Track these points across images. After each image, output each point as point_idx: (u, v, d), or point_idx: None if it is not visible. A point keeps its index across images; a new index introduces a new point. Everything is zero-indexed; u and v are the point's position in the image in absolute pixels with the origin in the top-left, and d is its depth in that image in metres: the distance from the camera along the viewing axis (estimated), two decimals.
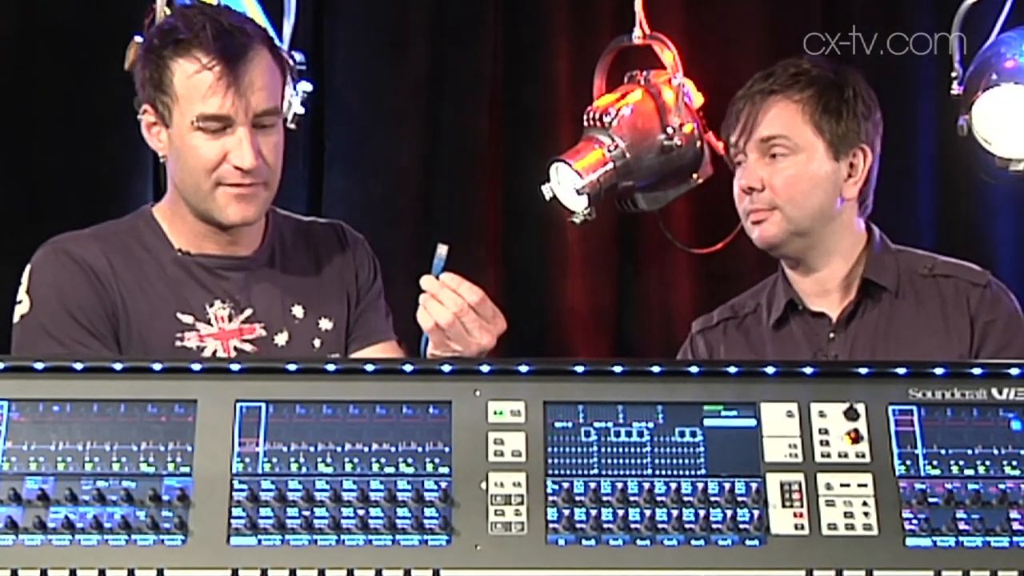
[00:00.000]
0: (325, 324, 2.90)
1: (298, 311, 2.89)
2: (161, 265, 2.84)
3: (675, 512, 2.24)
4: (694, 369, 2.35)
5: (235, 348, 2.82)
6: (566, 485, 2.26)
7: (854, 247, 3.18)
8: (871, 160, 3.16)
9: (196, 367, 2.31)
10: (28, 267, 2.83)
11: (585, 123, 3.53)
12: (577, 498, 2.25)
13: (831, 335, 3.14)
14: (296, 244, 2.97)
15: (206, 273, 2.85)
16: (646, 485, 2.26)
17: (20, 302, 2.80)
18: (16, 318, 2.80)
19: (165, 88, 2.77)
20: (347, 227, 3.06)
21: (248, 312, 2.85)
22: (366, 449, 2.28)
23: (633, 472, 2.28)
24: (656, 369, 2.35)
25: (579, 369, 2.34)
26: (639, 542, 2.23)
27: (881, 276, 3.15)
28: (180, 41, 2.75)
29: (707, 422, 2.31)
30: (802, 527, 2.25)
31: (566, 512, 2.24)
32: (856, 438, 2.30)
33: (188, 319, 2.81)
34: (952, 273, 3.15)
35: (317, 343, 2.88)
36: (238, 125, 2.76)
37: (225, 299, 2.84)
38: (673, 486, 2.26)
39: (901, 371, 2.34)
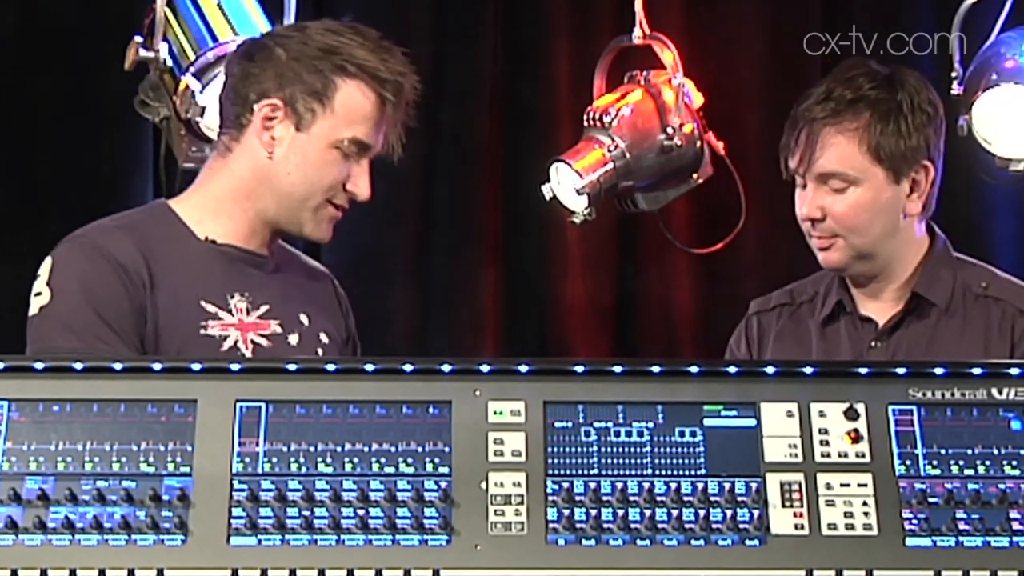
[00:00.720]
0: (324, 338, 2.91)
1: (304, 317, 2.90)
2: (184, 254, 2.82)
3: (675, 512, 2.24)
4: (694, 369, 2.35)
5: (252, 341, 2.82)
6: (566, 485, 2.26)
7: (915, 256, 3.13)
8: (935, 171, 3.10)
9: (196, 367, 2.31)
10: (49, 260, 2.78)
11: (585, 123, 3.53)
12: (577, 498, 2.25)
13: (873, 343, 3.10)
14: (291, 262, 3.00)
15: (228, 263, 2.84)
16: (646, 485, 2.26)
17: (39, 294, 2.75)
18: (34, 310, 2.75)
19: (322, 97, 2.78)
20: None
21: (264, 308, 2.85)
22: (366, 449, 2.27)
23: (633, 472, 2.28)
24: (656, 369, 2.34)
25: (579, 369, 2.34)
26: (639, 542, 2.23)
27: (932, 291, 3.09)
28: (362, 66, 2.78)
29: (707, 422, 2.31)
30: (802, 527, 2.24)
31: (566, 512, 2.24)
32: (856, 438, 2.30)
33: (211, 308, 2.80)
34: (1003, 296, 3.10)
35: (319, 352, 2.89)
36: (367, 157, 2.83)
37: (244, 291, 2.84)
38: (673, 486, 2.26)
39: (901, 371, 2.34)
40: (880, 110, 3.04)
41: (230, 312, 2.81)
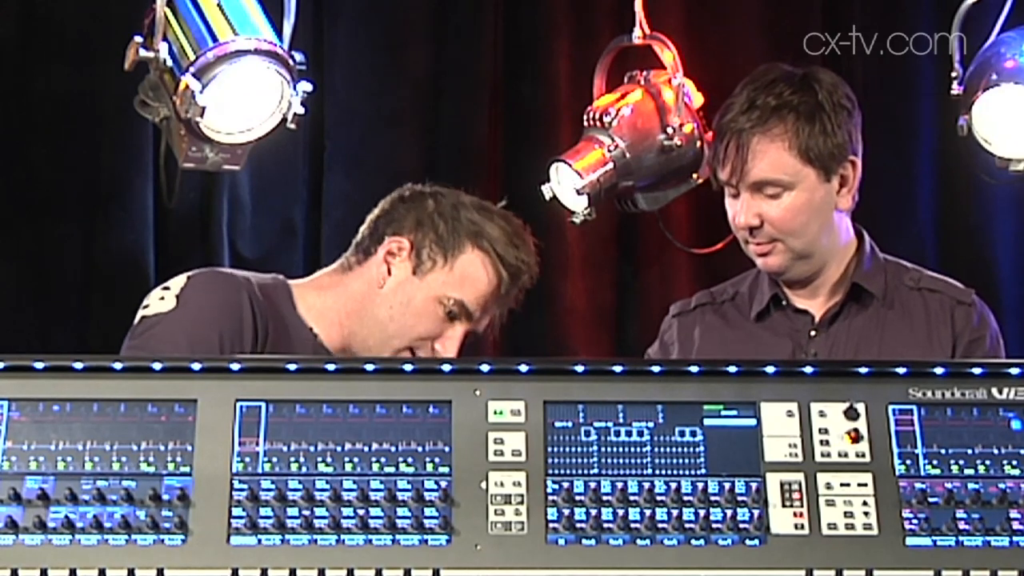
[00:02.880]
0: None
1: None
2: (290, 338, 2.92)
3: (675, 512, 2.24)
4: (694, 369, 2.35)
5: None
6: (566, 485, 2.26)
7: (847, 250, 3.20)
8: (860, 163, 3.15)
9: (196, 366, 2.31)
10: (183, 278, 2.87)
11: (585, 123, 3.53)
12: (577, 498, 2.25)
13: (812, 333, 3.17)
14: None
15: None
16: (646, 485, 2.26)
17: (163, 299, 2.83)
18: (150, 312, 2.82)
19: (447, 252, 2.96)
20: None
21: None
22: (366, 449, 2.28)
23: (633, 472, 2.28)
24: (656, 369, 2.35)
25: (579, 369, 2.34)
26: (639, 542, 2.23)
27: (870, 283, 3.17)
28: (494, 244, 2.99)
29: (707, 422, 2.31)
30: (802, 527, 2.25)
31: (566, 512, 2.24)
32: (856, 438, 2.30)
33: None
34: (939, 288, 3.18)
35: None
36: (465, 325, 2.97)
37: None
38: (673, 486, 2.26)
39: (901, 371, 2.34)
40: (804, 112, 3.10)
41: None
